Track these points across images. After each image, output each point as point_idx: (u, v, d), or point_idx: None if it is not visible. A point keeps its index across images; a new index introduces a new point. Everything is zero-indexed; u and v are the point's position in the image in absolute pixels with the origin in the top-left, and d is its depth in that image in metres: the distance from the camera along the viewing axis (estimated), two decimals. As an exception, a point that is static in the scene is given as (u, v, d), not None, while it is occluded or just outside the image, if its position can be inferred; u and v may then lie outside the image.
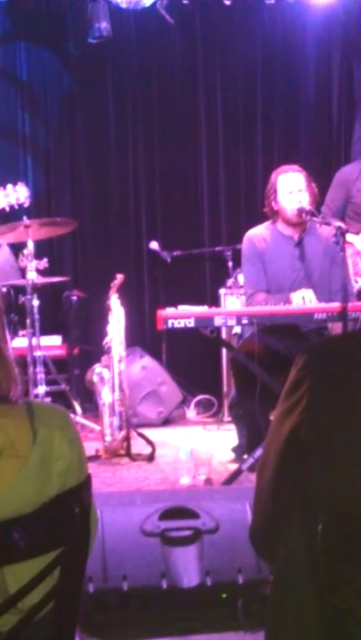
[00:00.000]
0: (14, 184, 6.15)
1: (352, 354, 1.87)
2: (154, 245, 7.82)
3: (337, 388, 1.82)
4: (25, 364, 6.02)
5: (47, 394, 6.21)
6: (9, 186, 6.10)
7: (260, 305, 5.30)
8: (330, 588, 1.77)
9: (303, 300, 5.15)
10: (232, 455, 5.96)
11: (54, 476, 2.03)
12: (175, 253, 7.81)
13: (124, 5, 6.82)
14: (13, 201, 6.10)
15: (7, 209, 6.10)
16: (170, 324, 4.84)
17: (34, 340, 6.14)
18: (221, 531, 3.53)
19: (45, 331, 6.60)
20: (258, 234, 5.63)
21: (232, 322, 5.01)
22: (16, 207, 6.11)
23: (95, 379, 6.13)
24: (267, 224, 5.67)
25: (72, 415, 6.41)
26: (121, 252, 8.01)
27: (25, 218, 6.12)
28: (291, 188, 5.47)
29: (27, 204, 6.18)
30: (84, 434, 6.36)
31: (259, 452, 4.74)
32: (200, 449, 6.06)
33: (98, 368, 6.15)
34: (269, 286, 5.50)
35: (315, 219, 5.45)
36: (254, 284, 5.54)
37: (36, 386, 6.10)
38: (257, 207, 7.91)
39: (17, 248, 6.41)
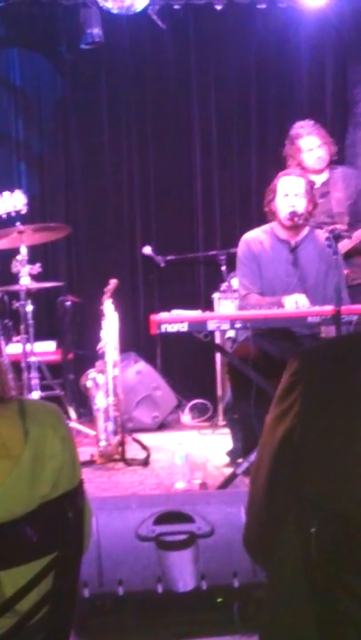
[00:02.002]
0: (11, 191, 6.14)
1: (345, 358, 1.87)
2: (148, 250, 7.82)
3: (329, 392, 1.82)
4: (19, 370, 6.02)
5: (42, 399, 6.20)
6: (5, 193, 6.10)
7: (252, 306, 5.31)
8: (325, 591, 1.77)
9: (296, 304, 5.16)
10: (227, 459, 5.96)
11: (47, 475, 2.03)
12: (169, 258, 7.81)
13: (115, 11, 6.82)
14: (10, 208, 6.09)
15: (4, 216, 6.10)
16: (163, 329, 4.84)
17: (28, 346, 6.14)
18: (217, 535, 3.54)
19: (39, 336, 6.60)
20: (255, 237, 5.64)
21: (225, 326, 5.01)
22: (13, 214, 6.10)
23: (90, 384, 6.13)
24: (264, 227, 5.69)
25: (67, 421, 6.41)
26: (115, 257, 8.01)
27: (18, 223, 6.13)
28: (287, 190, 5.48)
29: (23, 212, 6.17)
30: (79, 439, 6.36)
31: (254, 456, 4.74)
32: (195, 453, 6.06)
33: (92, 373, 6.15)
34: (264, 289, 5.51)
35: (307, 223, 5.46)
36: (248, 285, 5.55)
37: (30, 391, 6.10)
38: (251, 211, 7.97)
39: (10, 253, 6.40)
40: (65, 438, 2.10)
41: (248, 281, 5.56)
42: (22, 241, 6.07)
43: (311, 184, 5.60)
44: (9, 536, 1.87)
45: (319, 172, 6.54)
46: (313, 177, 6.31)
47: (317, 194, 6.33)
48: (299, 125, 6.61)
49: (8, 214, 6.09)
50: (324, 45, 8.22)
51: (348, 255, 6.27)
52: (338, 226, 5.95)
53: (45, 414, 2.12)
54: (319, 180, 6.52)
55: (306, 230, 5.57)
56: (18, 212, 6.11)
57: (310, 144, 6.48)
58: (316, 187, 6.35)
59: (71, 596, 1.98)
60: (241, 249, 5.66)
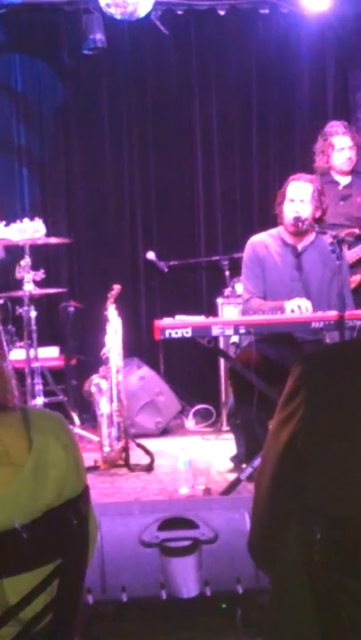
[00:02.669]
0: (31, 219, 6.11)
1: (348, 363, 1.87)
2: (151, 255, 7.82)
3: (333, 397, 1.82)
4: (22, 376, 6.02)
5: (45, 405, 6.22)
6: (25, 220, 6.06)
7: (254, 311, 5.30)
8: (328, 598, 1.77)
9: (299, 308, 5.14)
10: (230, 465, 5.95)
11: (51, 484, 2.02)
12: (172, 263, 7.82)
13: (118, 17, 6.83)
14: (29, 236, 6.05)
15: (20, 244, 6.07)
16: (167, 334, 4.84)
17: (31, 352, 6.15)
18: (220, 541, 3.53)
19: (43, 342, 6.61)
20: (260, 240, 5.63)
21: (229, 331, 5.01)
22: (30, 243, 6.06)
23: (93, 389, 6.12)
24: (272, 231, 5.68)
25: (70, 426, 6.40)
26: (118, 263, 8.02)
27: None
28: (293, 195, 5.48)
29: (40, 241, 6.14)
30: (83, 444, 6.36)
31: (257, 462, 4.74)
32: (198, 459, 6.06)
33: (95, 379, 6.15)
34: (267, 293, 5.50)
35: (312, 229, 5.46)
36: (252, 289, 5.54)
37: (33, 397, 6.11)
38: (253, 216, 7.98)
39: (13, 259, 6.40)
40: (68, 446, 2.09)
41: (252, 284, 5.56)
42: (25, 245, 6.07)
43: (321, 190, 5.58)
44: (12, 544, 1.86)
45: (346, 173, 6.56)
46: (337, 177, 6.37)
47: (339, 195, 6.36)
48: (334, 124, 6.65)
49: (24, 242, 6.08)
50: (326, 50, 8.22)
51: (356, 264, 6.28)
52: (350, 230, 5.97)
53: (49, 422, 2.11)
54: (343, 181, 6.56)
55: (312, 236, 5.56)
56: (34, 241, 6.10)
57: (343, 143, 6.51)
58: (339, 188, 6.39)
59: (75, 604, 1.98)
60: (247, 252, 5.65)
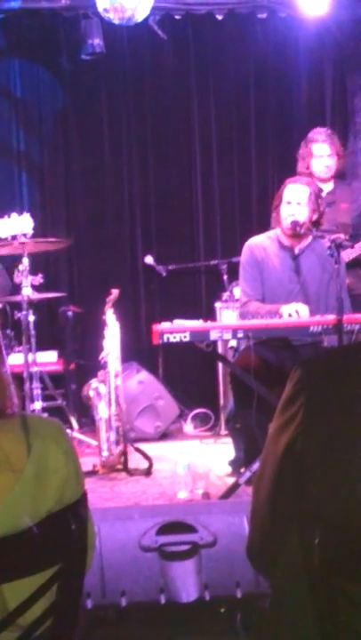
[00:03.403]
0: (19, 213, 6.12)
1: (347, 368, 1.87)
2: (149, 260, 7.83)
3: (332, 402, 1.82)
4: (21, 380, 6.02)
5: (44, 409, 6.21)
6: (13, 215, 6.07)
7: (251, 315, 5.30)
8: (327, 602, 1.77)
9: (297, 312, 5.15)
10: (229, 469, 5.95)
11: (52, 490, 2.03)
12: (170, 267, 7.82)
13: (116, 22, 6.83)
14: (17, 231, 6.05)
15: (9, 238, 6.08)
16: (165, 339, 4.84)
17: (30, 356, 6.14)
18: (219, 545, 3.52)
19: (41, 346, 6.60)
20: (258, 243, 5.63)
21: (228, 335, 5.00)
22: (18, 237, 6.06)
23: (92, 394, 6.12)
24: (270, 233, 5.69)
25: (69, 430, 6.41)
26: (116, 267, 8.02)
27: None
28: (290, 198, 5.48)
29: (29, 235, 6.14)
30: (82, 449, 6.36)
31: (256, 466, 4.74)
32: (197, 463, 6.06)
33: (94, 383, 6.14)
34: (265, 296, 5.51)
35: (309, 232, 5.46)
36: (250, 292, 5.55)
37: (32, 401, 6.10)
38: (252, 220, 7.98)
39: (12, 264, 6.40)
40: (68, 452, 2.10)
41: (249, 287, 5.56)
42: (23, 250, 6.06)
43: (318, 193, 5.58)
44: (13, 549, 1.87)
45: (324, 180, 6.58)
46: (319, 184, 6.36)
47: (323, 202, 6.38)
48: (316, 131, 6.68)
49: (14, 237, 6.07)
50: (324, 54, 8.23)
51: (350, 265, 6.28)
52: (336, 236, 5.96)
53: (48, 428, 2.11)
54: (326, 188, 6.57)
55: (309, 239, 5.56)
56: (24, 236, 6.09)
57: (321, 151, 6.53)
58: (322, 194, 6.39)
59: (74, 608, 1.98)
60: (244, 254, 5.65)
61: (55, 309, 7.50)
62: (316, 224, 5.52)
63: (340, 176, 6.85)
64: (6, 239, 6.04)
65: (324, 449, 1.79)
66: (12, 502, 1.96)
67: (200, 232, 8.22)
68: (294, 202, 5.46)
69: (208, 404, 7.59)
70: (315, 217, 5.50)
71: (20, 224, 6.03)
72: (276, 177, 7.84)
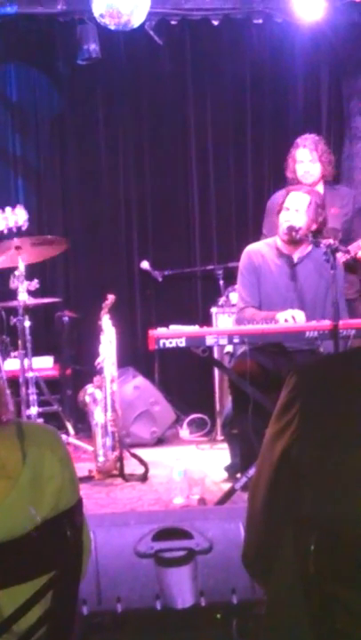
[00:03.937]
0: (12, 207, 6.13)
1: (343, 374, 1.87)
2: (145, 265, 7.83)
3: (328, 409, 1.82)
4: (17, 386, 6.02)
5: (40, 415, 6.21)
6: (7, 209, 6.07)
7: (247, 321, 5.30)
8: (323, 609, 1.77)
9: (293, 319, 5.15)
10: (225, 474, 5.95)
11: (47, 497, 2.02)
12: (166, 273, 7.82)
13: (112, 27, 6.83)
14: (11, 224, 6.06)
15: (5, 231, 6.09)
16: (161, 344, 4.84)
17: (26, 362, 6.14)
18: (215, 551, 3.52)
19: (37, 352, 6.60)
20: (256, 249, 5.64)
21: (224, 341, 5.01)
22: (14, 230, 6.08)
23: (88, 399, 6.12)
24: (269, 240, 5.70)
25: (65, 436, 6.41)
26: (112, 272, 8.02)
27: (15, 238, 6.13)
28: (289, 205, 5.49)
29: (24, 228, 6.15)
30: (77, 454, 6.36)
31: (252, 471, 4.73)
32: (193, 468, 6.04)
33: (90, 388, 6.14)
34: (262, 303, 5.51)
35: (306, 239, 5.46)
36: (247, 298, 5.55)
37: (28, 407, 6.09)
38: (248, 226, 7.98)
39: (7, 270, 6.39)
40: (63, 459, 2.10)
41: (246, 293, 5.56)
42: (21, 258, 6.07)
43: (320, 204, 5.56)
44: (8, 555, 1.86)
45: (310, 186, 6.56)
46: None
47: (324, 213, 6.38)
48: (303, 137, 6.66)
49: (9, 229, 6.08)
50: (320, 59, 8.24)
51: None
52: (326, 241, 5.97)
53: (43, 435, 2.11)
54: None
55: (309, 247, 5.55)
56: (19, 229, 6.09)
57: (302, 156, 6.51)
58: None
59: (70, 615, 1.98)
60: (242, 260, 5.65)
61: (51, 315, 7.50)
62: (315, 234, 5.51)
63: (335, 181, 6.83)
64: (1, 232, 6.05)
65: (319, 455, 1.79)
66: (8, 509, 1.96)
67: (196, 237, 8.21)
68: (293, 208, 5.47)
69: (204, 409, 7.59)
70: (313, 227, 5.49)
71: (14, 217, 6.03)
72: (272, 182, 7.84)
